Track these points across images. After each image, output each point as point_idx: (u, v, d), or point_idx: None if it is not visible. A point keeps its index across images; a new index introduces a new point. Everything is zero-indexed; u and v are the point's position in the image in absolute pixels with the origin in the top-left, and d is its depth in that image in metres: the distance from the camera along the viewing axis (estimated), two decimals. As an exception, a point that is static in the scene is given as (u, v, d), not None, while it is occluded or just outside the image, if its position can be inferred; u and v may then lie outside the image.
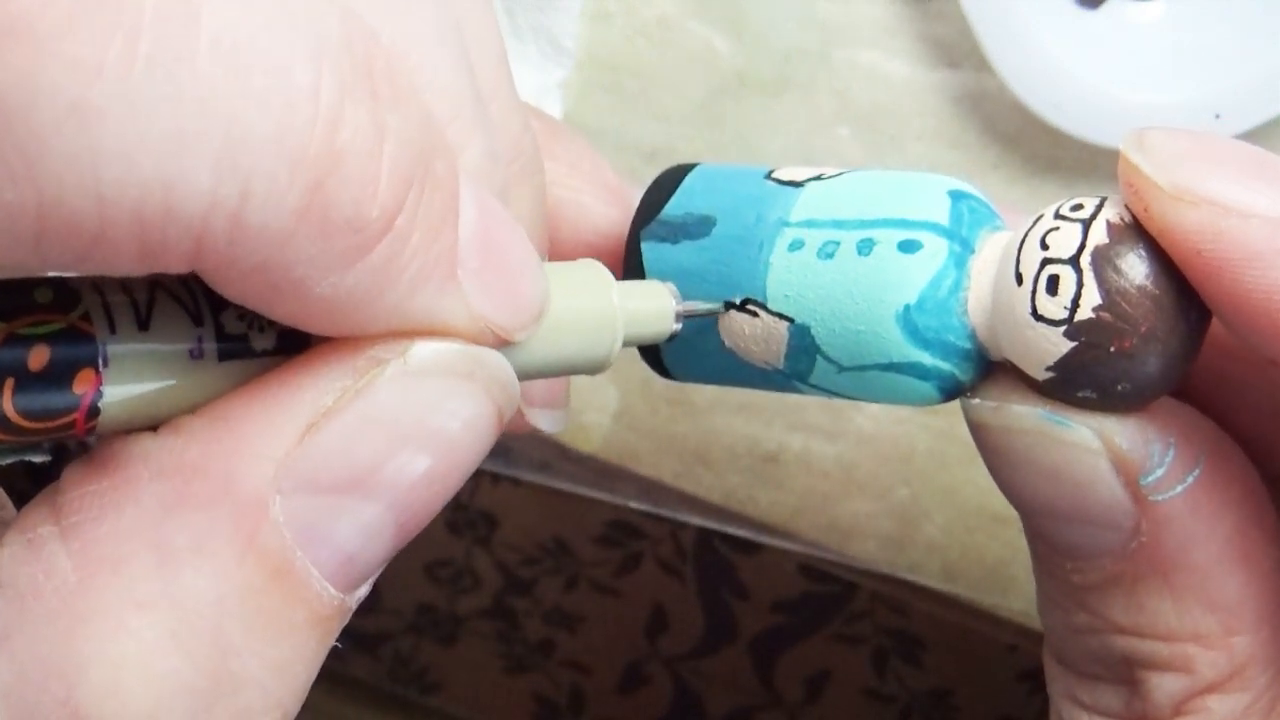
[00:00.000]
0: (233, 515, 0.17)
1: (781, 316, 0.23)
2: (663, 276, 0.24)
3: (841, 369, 0.23)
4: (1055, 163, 0.42)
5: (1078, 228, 0.21)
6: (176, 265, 0.16)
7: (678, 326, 0.23)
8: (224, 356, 0.18)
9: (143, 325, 0.17)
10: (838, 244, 0.23)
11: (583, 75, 0.44)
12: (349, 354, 0.18)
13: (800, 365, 0.23)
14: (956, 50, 0.43)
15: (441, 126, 0.19)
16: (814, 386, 0.24)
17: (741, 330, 0.24)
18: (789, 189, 0.24)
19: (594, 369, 0.22)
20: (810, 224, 0.23)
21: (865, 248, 0.22)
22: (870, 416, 0.44)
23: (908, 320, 0.22)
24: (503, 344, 0.19)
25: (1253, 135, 0.40)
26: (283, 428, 0.17)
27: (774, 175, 0.25)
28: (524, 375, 0.20)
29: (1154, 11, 0.41)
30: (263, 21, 0.15)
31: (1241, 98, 0.40)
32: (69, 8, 0.14)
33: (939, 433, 0.43)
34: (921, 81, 0.43)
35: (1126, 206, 0.21)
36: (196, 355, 0.18)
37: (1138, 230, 0.20)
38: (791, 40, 0.43)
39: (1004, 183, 0.43)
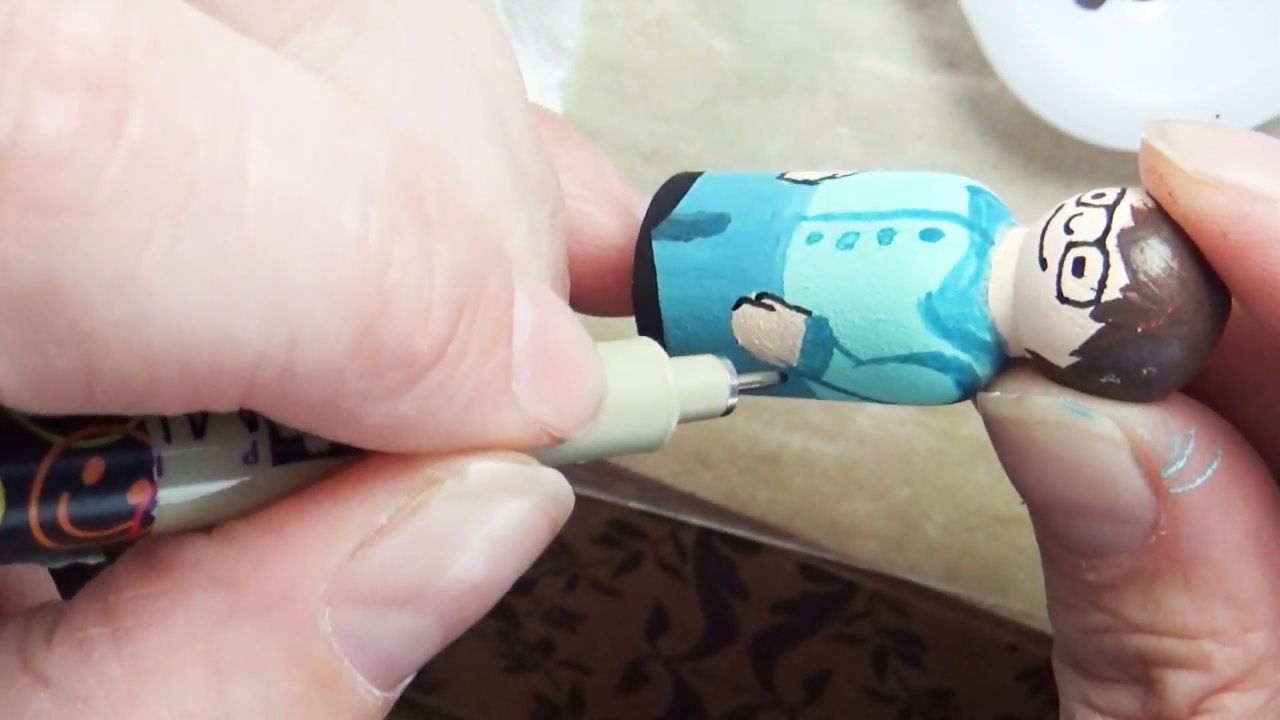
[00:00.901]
0: (284, 627, 0.17)
1: (799, 309, 0.23)
2: (675, 274, 0.24)
3: (859, 363, 0.23)
4: (1055, 163, 0.42)
5: (1102, 213, 0.21)
6: (225, 408, 0.16)
7: (734, 401, 0.23)
8: (278, 460, 0.18)
9: (198, 433, 0.17)
10: (857, 234, 0.23)
11: (583, 75, 0.44)
12: (404, 469, 0.18)
13: (816, 361, 0.23)
14: (957, 51, 0.43)
15: (490, 226, 0.18)
16: (827, 385, 0.23)
17: (757, 325, 0.24)
18: (803, 186, 0.24)
19: (648, 448, 0.21)
20: (828, 217, 0.23)
21: (886, 237, 0.22)
22: (870, 416, 0.44)
23: (929, 308, 0.22)
24: (559, 443, 0.19)
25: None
26: (336, 543, 0.17)
27: (787, 176, 0.25)
28: (576, 461, 0.20)
29: (1154, 11, 0.41)
30: (308, 164, 0.15)
31: (1241, 98, 0.40)
32: (119, 181, 0.14)
33: (939, 433, 0.43)
34: (921, 82, 0.43)
35: (1149, 193, 0.21)
36: (251, 460, 0.18)
37: (1161, 215, 0.21)
38: (791, 41, 0.43)
39: (1004, 183, 0.43)
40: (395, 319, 0.16)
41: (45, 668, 0.17)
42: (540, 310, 0.19)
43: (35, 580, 0.22)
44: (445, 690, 0.74)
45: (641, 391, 0.21)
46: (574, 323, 0.19)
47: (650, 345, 0.22)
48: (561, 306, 0.19)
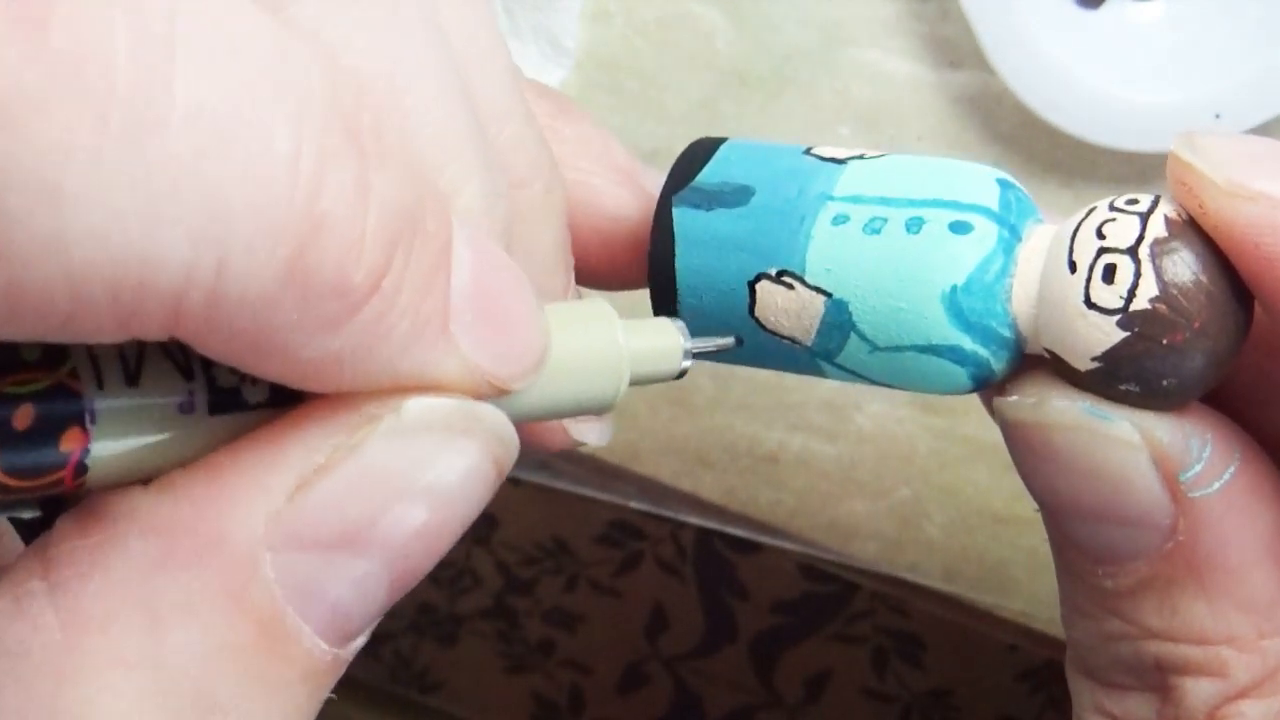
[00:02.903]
0: (222, 573, 0.17)
1: (819, 290, 0.23)
2: (694, 243, 0.24)
3: (875, 349, 0.23)
4: (1055, 163, 0.42)
5: (1135, 220, 0.21)
6: (154, 334, 0.15)
7: (687, 364, 0.23)
8: (215, 410, 0.17)
9: (131, 380, 0.17)
10: (885, 220, 0.23)
11: (583, 75, 0.44)
12: (342, 409, 0.17)
13: (830, 343, 0.23)
14: (957, 50, 0.43)
15: (434, 174, 0.18)
16: (839, 367, 0.23)
17: (774, 302, 0.23)
18: (831, 165, 0.24)
19: (599, 410, 0.21)
20: (856, 199, 0.23)
21: (915, 226, 0.22)
22: (870, 416, 0.44)
23: (953, 302, 0.22)
24: (501, 394, 0.19)
25: (1253, 135, 0.40)
26: (274, 485, 0.17)
27: (813, 151, 0.24)
28: (525, 419, 0.20)
29: (1154, 11, 0.41)
30: (240, 86, 0.15)
31: (1241, 98, 0.40)
32: (39, 89, 0.14)
33: (939, 433, 0.43)
34: (922, 81, 0.43)
35: (1180, 205, 0.21)
36: (187, 409, 0.17)
37: (1194, 227, 0.21)
38: (792, 40, 0.43)
39: (1004, 183, 0.43)
40: (327, 246, 0.16)
41: None
42: (481, 257, 0.18)
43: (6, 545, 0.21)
44: (445, 690, 0.74)
45: (591, 350, 0.21)
46: (518, 275, 0.19)
47: (601, 305, 0.22)
48: (504, 259, 0.19)
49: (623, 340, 0.21)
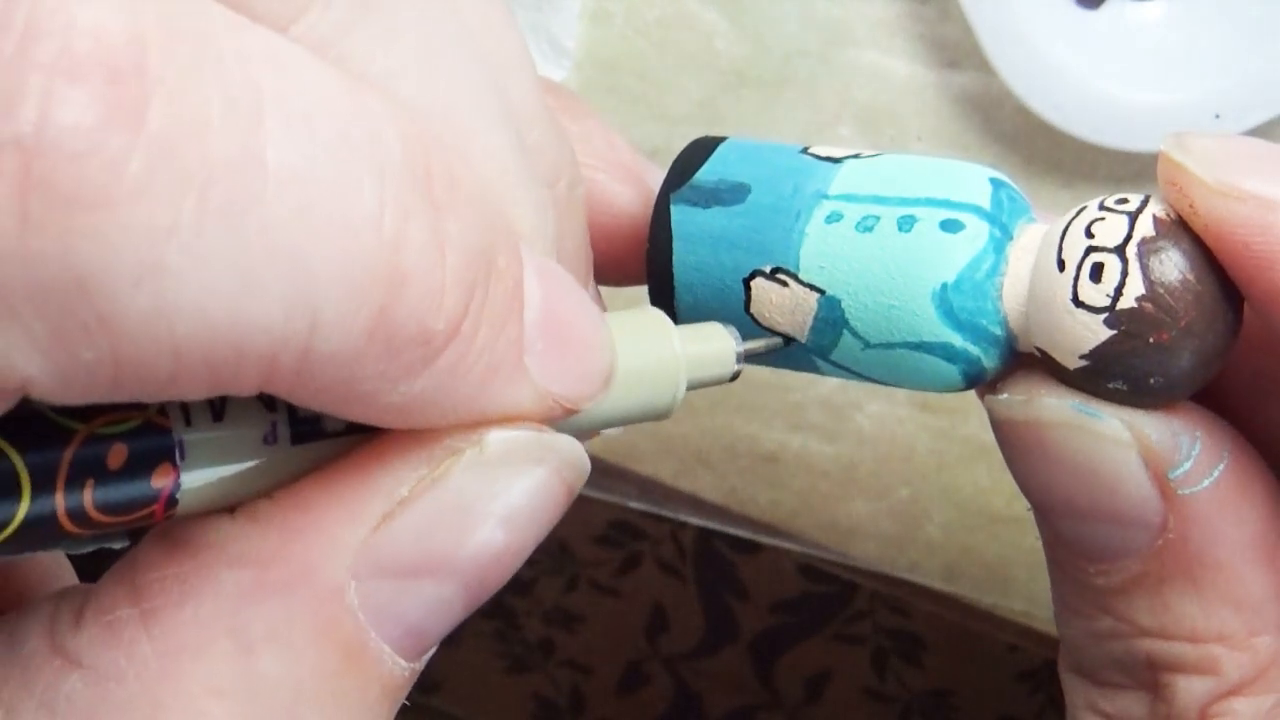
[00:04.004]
0: (310, 602, 0.17)
1: (813, 287, 0.23)
2: (691, 240, 0.24)
3: (867, 345, 0.23)
4: (1055, 163, 0.42)
5: (1124, 219, 0.21)
6: (246, 391, 0.16)
7: (740, 367, 0.23)
8: (297, 440, 0.18)
9: (218, 416, 0.17)
10: (878, 218, 0.23)
11: (583, 75, 0.44)
12: (424, 441, 0.18)
13: (825, 339, 0.23)
14: (957, 50, 0.43)
15: (494, 199, 0.19)
16: (834, 364, 0.23)
17: (768, 299, 0.24)
18: (827, 164, 0.24)
19: (657, 417, 0.22)
20: (850, 198, 0.23)
21: (906, 224, 0.22)
22: (870, 416, 0.44)
23: (943, 299, 0.22)
24: (570, 414, 0.19)
25: (1253, 135, 0.40)
26: (359, 516, 0.18)
27: (810, 150, 0.25)
28: (590, 430, 0.20)
29: (1154, 11, 0.41)
30: (324, 149, 0.15)
31: (1241, 98, 0.40)
32: (141, 172, 0.14)
33: (939, 433, 0.43)
34: (922, 81, 0.43)
35: (1169, 205, 0.21)
36: (270, 440, 0.18)
37: (1183, 226, 0.21)
38: (792, 40, 0.43)
39: (1004, 183, 0.43)
40: (410, 299, 0.16)
41: (75, 649, 0.17)
42: (548, 284, 0.19)
43: (56, 565, 0.22)
44: (445, 690, 0.74)
45: (650, 361, 0.21)
46: (582, 296, 0.19)
47: (658, 315, 0.22)
48: (569, 280, 0.19)
49: (680, 348, 0.22)
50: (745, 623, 0.68)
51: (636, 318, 0.22)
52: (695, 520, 0.46)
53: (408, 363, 0.17)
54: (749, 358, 0.23)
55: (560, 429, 0.19)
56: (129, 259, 0.14)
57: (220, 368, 0.15)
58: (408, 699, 0.19)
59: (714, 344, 0.23)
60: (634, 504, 0.46)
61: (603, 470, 0.46)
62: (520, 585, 0.70)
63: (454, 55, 0.19)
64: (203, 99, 0.14)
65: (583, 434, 0.20)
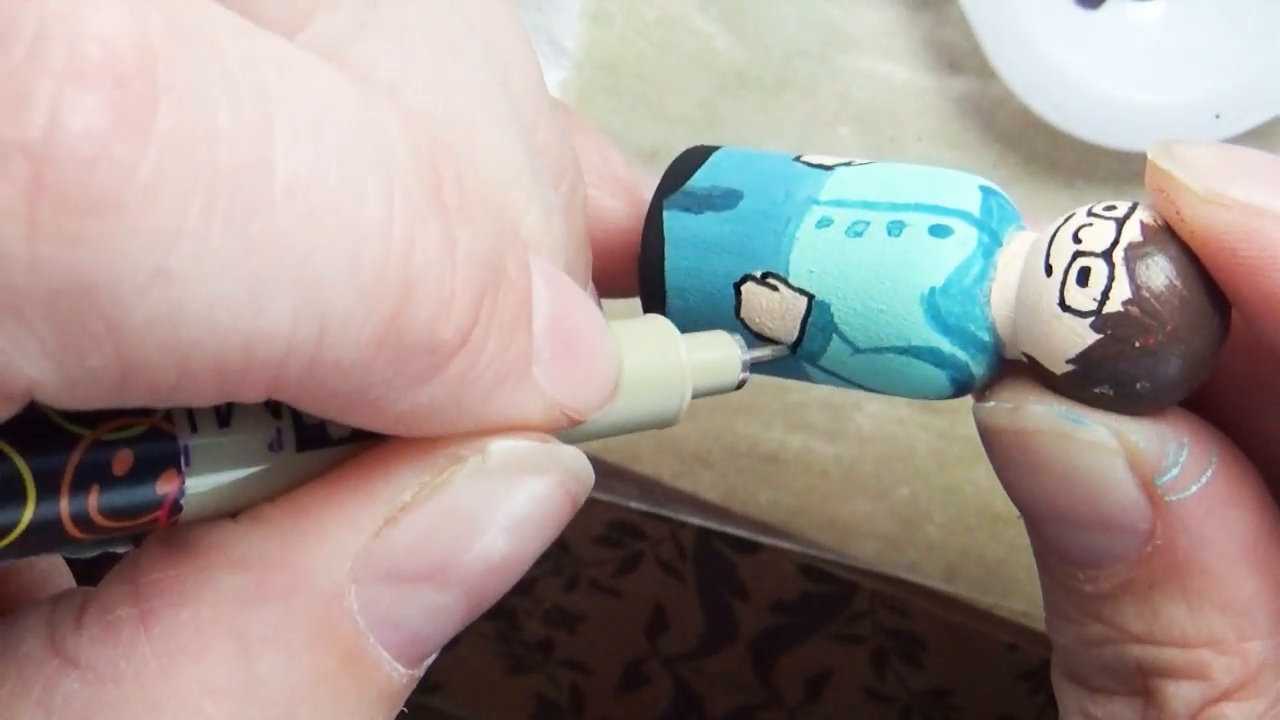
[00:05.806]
0: (310, 606, 0.17)
1: (802, 292, 0.23)
2: (682, 245, 0.24)
3: (856, 350, 0.23)
4: (1055, 163, 0.42)
5: (1111, 225, 0.21)
6: (253, 398, 0.16)
7: (745, 375, 0.23)
8: (302, 446, 0.18)
9: (223, 422, 0.18)
10: (867, 224, 0.23)
11: (583, 75, 0.44)
12: (427, 448, 0.18)
13: (814, 344, 0.23)
14: (957, 50, 0.43)
15: (503, 203, 0.18)
16: (823, 370, 0.24)
17: (759, 304, 0.24)
18: (818, 171, 0.24)
19: (662, 425, 0.22)
20: (840, 203, 0.23)
21: (896, 229, 0.23)
22: (870, 416, 0.44)
23: (931, 303, 0.22)
24: (576, 424, 0.19)
25: (1253, 135, 0.40)
26: (361, 521, 0.18)
27: (802, 158, 0.25)
28: (596, 438, 0.20)
29: (1154, 11, 0.41)
30: (333, 156, 0.15)
31: (1241, 98, 0.40)
32: (149, 179, 0.14)
33: (939, 433, 0.43)
34: (921, 82, 0.43)
35: (1157, 211, 0.21)
36: (276, 447, 0.18)
37: (1170, 232, 0.21)
38: (792, 41, 0.43)
39: (1004, 183, 0.42)
40: (419, 307, 0.16)
41: (74, 650, 0.17)
42: (556, 293, 0.19)
43: (53, 568, 0.22)
44: (445, 690, 0.74)
45: (656, 369, 0.21)
46: (589, 304, 0.19)
47: (662, 323, 0.22)
48: (576, 289, 0.19)
49: (685, 357, 0.22)
50: (745, 623, 0.68)
51: (642, 326, 0.22)
52: (695, 520, 0.46)
53: (416, 371, 0.17)
54: (753, 365, 0.23)
55: (563, 437, 0.19)
56: (137, 265, 0.14)
57: (227, 374, 0.15)
58: (412, 696, 0.19)
59: (719, 352, 0.23)
60: (634, 504, 0.46)
61: (603, 470, 0.45)
62: (520, 585, 0.69)
63: (461, 56, 0.19)
64: (211, 105, 0.14)
65: (586, 441, 0.20)
